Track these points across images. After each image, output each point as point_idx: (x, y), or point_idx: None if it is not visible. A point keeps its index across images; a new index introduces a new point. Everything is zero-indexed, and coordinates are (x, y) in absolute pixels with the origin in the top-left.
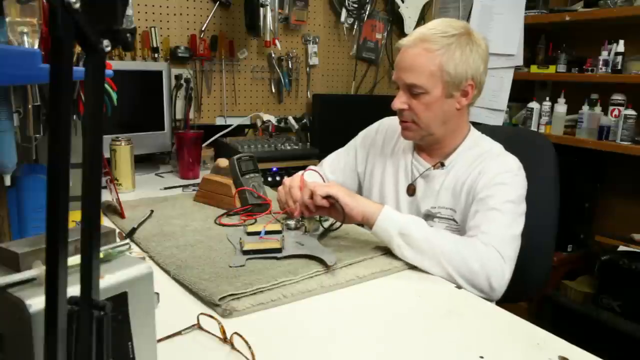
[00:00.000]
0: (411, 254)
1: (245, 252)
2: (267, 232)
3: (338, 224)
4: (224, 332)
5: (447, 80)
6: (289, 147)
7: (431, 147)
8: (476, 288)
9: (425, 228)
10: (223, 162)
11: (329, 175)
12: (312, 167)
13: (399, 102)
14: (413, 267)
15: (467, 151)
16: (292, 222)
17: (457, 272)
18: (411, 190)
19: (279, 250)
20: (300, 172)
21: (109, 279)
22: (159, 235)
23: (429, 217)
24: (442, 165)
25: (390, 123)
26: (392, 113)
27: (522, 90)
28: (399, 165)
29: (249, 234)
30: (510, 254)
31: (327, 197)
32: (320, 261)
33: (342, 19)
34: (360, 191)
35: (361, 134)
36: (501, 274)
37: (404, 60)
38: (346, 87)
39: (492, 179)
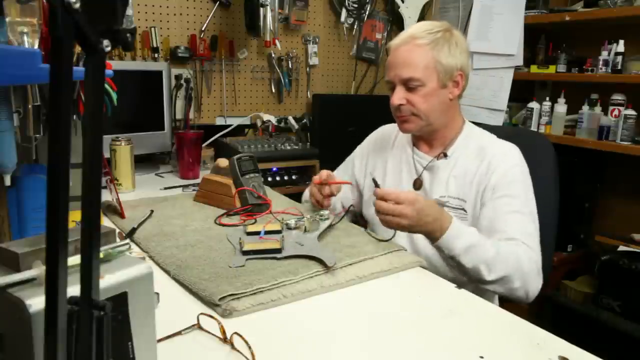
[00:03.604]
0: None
1: (245, 253)
2: (267, 232)
3: (337, 219)
4: (224, 332)
5: (440, 70)
6: (289, 147)
7: (429, 138)
8: (513, 298)
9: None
10: (223, 162)
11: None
12: None
13: (397, 97)
14: (413, 267)
15: (466, 140)
16: (292, 222)
17: (502, 289)
18: (418, 184)
19: (278, 250)
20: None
21: (109, 279)
22: (159, 235)
23: (439, 206)
24: (445, 155)
25: (386, 128)
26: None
27: (522, 90)
28: (401, 161)
29: (249, 233)
30: (541, 263)
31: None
32: (320, 262)
33: (342, 19)
34: (360, 199)
35: (359, 146)
36: (537, 288)
37: (397, 58)
38: (346, 87)
39: (503, 179)
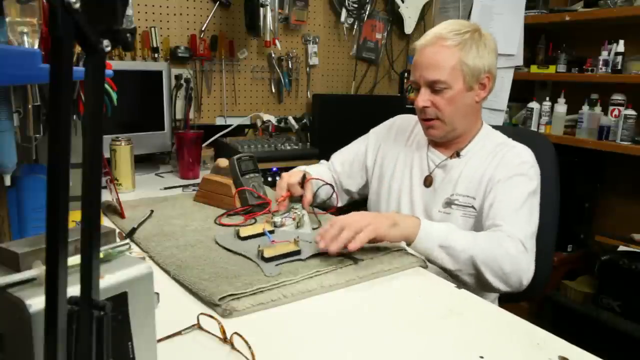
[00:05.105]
0: (451, 264)
1: (269, 260)
2: (250, 237)
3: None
4: (224, 332)
5: (467, 73)
6: (289, 147)
7: (449, 141)
8: (508, 286)
9: (463, 239)
10: (223, 162)
11: (337, 167)
12: (302, 167)
13: (422, 100)
14: (413, 268)
15: (482, 141)
16: (278, 219)
17: (492, 275)
18: (428, 181)
19: (298, 252)
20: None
21: (109, 279)
22: (159, 235)
23: (448, 204)
24: (458, 155)
25: (404, 119)
26: (394, 114)
27: (522, 90)
28: (413, 158)
29: (242, 238)
30: (534, 248)
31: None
32: (350, 258)
33: (342, 19)
34: (367, 185)
35: (373, 129)
36: (529, 271)
37: (423, 58)
38: (346, 87)
39: (511, 171)
